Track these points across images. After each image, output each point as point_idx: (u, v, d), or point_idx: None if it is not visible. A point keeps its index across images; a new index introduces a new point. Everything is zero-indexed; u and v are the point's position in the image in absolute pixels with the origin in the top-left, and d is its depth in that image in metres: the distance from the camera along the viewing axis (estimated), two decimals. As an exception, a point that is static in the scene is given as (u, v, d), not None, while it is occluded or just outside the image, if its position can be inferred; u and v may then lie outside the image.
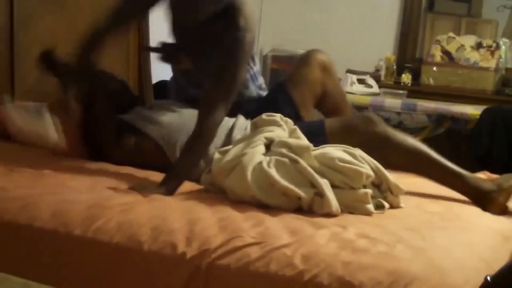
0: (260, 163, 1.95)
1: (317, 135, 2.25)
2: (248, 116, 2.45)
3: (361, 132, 2.24)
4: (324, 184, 1.90)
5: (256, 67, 2.67)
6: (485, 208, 2.15)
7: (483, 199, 2.18)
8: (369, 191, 1.95)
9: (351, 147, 2.06)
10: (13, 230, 1.75)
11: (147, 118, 2.45)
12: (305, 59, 2.65)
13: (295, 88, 2.58)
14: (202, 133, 2.16)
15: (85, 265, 1.67)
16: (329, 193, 1.88)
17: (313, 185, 1.90)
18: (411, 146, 2.26)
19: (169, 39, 2.57)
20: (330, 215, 1.85)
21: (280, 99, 2.56)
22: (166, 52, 2.60)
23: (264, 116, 2.19)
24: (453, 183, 2.25)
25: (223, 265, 1.53)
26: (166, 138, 2.35)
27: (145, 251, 1.61)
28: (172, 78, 2.80)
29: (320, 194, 1.88)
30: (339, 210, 1.88)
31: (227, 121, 2.35)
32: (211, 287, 1.53)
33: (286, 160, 1.95)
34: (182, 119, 2.39)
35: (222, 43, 2.28)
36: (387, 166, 2.18)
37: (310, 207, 1.88)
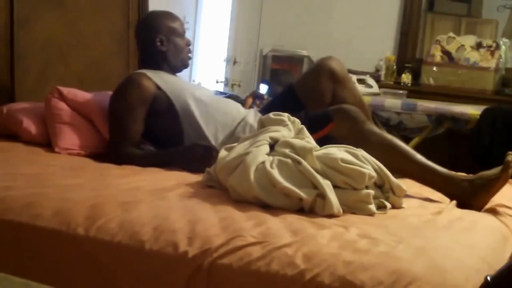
0: (263, 163, 1.95)
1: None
2: None
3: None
4: (326, 185, 1.89)
5: None
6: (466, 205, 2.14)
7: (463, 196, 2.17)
8: (371, 191, 1.95)
9: (353, 148, 2.06)
10: (15, 228, 1.75)
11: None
12: (316, 67, 2.67)
13: (304, 95, 2.61)
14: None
15: (87, 264, 1.67)
16: (331, 194, 1.88)
17: (315, 186, 1.90)
18: (388, 143, 2.28)
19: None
20: (332, 215, 1.86)
21: (290, 103, 2.61)
22: None
23: (271, 115, 2.19)
24: (432, 180, 2.25)
25: (225, 265, 1.53)
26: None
27: (147, 250, 1.61)
28: None
29: (322, 195, 1.88)
30: (341, 212, 1.88)
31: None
32: (213, 286, 1.53)
33: (288, 160, 1.95)
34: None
35: None
36: None
37: (312, 209, 1.88)
